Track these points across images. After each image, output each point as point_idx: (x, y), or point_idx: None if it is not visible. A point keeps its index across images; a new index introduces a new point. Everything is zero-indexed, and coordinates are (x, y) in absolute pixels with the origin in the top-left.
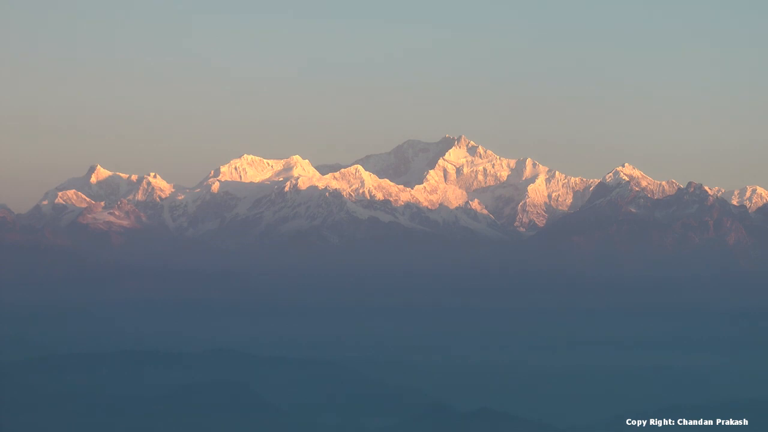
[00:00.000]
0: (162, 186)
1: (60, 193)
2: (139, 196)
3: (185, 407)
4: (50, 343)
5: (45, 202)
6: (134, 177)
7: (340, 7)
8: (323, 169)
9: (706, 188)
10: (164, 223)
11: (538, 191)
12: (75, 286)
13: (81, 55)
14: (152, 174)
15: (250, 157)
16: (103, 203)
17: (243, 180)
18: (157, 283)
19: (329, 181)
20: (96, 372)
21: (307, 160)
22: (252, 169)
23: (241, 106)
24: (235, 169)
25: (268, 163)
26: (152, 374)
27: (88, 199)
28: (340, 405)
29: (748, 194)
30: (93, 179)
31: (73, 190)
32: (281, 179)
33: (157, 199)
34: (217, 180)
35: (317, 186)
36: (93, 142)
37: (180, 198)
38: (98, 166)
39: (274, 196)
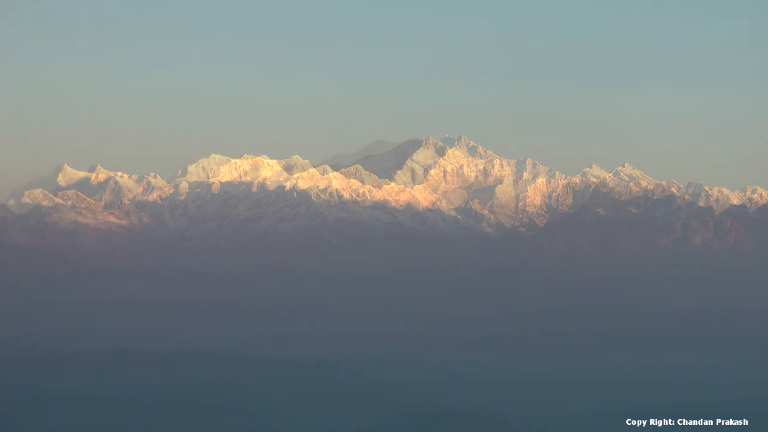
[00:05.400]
0: (162, 186)
1: (60, 193)
2: (139, 196)
3: (184, 407)
4: (50, 343)
5: (45, 203)
6: (134, 177)
7: (341, 6)
8: (323, 169)
9: (706, 188)
10: (164, 223)
11: (538, 191)
12: (74, 286)
13: (82, 55)
14: (152, 174)
15: (250, 157)
16: (103, 203)
17: (243, 180)
18: (156, 283)
19: (329, 181)
20: (95, 372)
21: (307, 160)
22: (252, 169)
23: (241, 106)
24: (236, 169)
25: (268, 163)
26: (151, 374)
27: (88, 199)
28: (339, 405)
29: (748, 194)
30: (93, 179)
31: (74, 190)
32: (281, 179)
33: (157, 199)
34: (217, 180)
35: (317, 186)
36: (93, 142)
37: (180, 198)
38: (98, 166)
39: (274, 196)
